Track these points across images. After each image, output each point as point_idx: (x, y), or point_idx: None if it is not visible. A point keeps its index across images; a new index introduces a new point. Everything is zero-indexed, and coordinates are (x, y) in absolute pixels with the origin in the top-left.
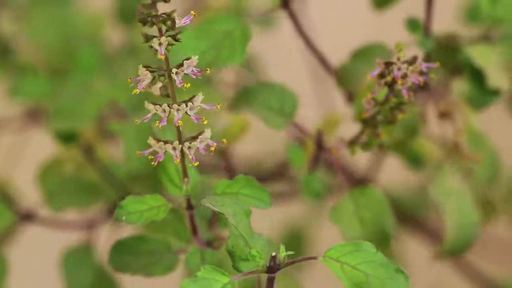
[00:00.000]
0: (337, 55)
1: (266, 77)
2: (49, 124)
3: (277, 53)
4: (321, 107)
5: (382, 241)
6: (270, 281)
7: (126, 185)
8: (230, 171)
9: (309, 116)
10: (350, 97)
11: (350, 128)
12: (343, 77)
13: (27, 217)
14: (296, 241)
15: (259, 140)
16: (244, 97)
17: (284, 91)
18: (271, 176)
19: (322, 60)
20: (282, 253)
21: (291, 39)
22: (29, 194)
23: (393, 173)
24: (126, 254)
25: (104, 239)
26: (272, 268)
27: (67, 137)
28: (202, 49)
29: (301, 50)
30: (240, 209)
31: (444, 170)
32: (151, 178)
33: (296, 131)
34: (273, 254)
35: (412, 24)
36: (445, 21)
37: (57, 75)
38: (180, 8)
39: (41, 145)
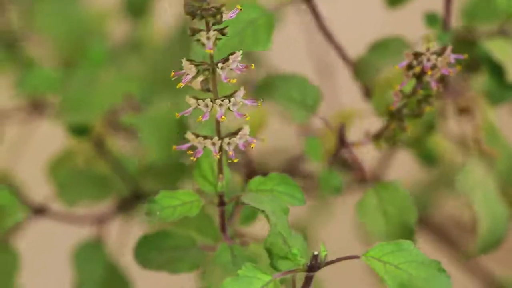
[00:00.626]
0: (352, 49)
1: (273, 72)
2: (60, 117)
3: (283, 50)
4: (326, 103)
5: (406, 235)
6: (309, 279)
7: (137, 179)
8: (251, 167)
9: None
10: (367, 91)
11: (361, 124)
12: (361, 71)
13: (39, 211)
14: None
15: (266, 136)
16: (265, 88)
17: (305, 82)
18: (282, 171)
19: (341, 53)
20: (323, 252)
21: (296, 36)
22: (35, 186)
23: (399, 170)
24: (151, 249)
25: (115, 234)
26: (313, 267)
27: (80, 130)
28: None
29: (306, 47)
30: (278, 207)
31: (469, 164)
32: (163, 173)
33: (305, 127)
34: (316, 253)
35: (431, 19)
36: (459, 16)
37: (65, 68)
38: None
39: (47, 138)
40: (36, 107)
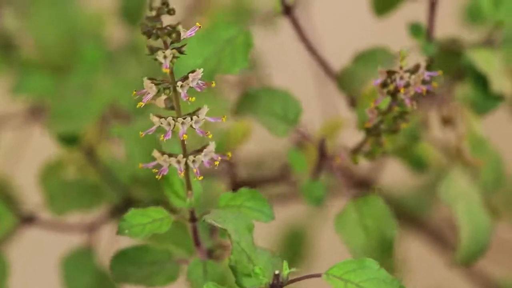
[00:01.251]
0: (339, 59)
1: (268, 76)
2: (50, 126)
3: (280, 54)
4: (324, 108)
5: (386, 249)
6: None
7: (128, 187)
8: (233, 175)
9: (311, 118)
10: (352, 102)
11: (352, 132)
12: (345, 81)
13: (28, 219)
14: (295, 243)
15: (260, 140)
16: (247, 102)
17: (287, 97)
18: (272, 177)
19: (324, 65)
20: (285, 271)
21: (293, 40)
22: (30, 191)
23: (394, 173)
24: (127, 264)
25: (105, 242)
26: (275, 286)
27: (69, 140)
28: (205, 56)
29: (303, 52)
30: (243, 224)
31: (452, 174)
32: (152, 181)
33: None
34: (277, 272)
35: (415, 29)
36: (447, 25)
37: (60, 72)
38: (182, 6)
39: (43, 142)
40: (33, 112)
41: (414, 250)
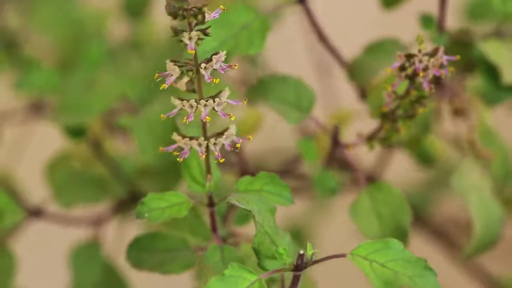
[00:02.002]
0: (347, 51)
1: (270, 72)
2: (57, 119)
3: (281, 49)
4: (326, 103)
5: (400, 237)
6: (296, 279)
7: (134, 180)
8: (243, 166)
9: (314, 112)
10: (362, 93)
11: (358, 125)
12: (356, 72)
13: (35, 213)
14: (296, 238)
15: (265, 137)
16: (260, 89)
17: (300, 84)
18: (278, 171)
19: (335, 55)
20: (310, 252)
21: (296, 35)
22: (33, 187)
23: (397, 170)
24: (143, 251)
25: (112, 235)
26: (300, 266)
27: (76, 132)
28: (221, 39)
29: (305, 46)
30: (265, 207)
31: (464, 165)
32: (161, 174)
33: (302, 127)
34: (301, 252)
35: (426, 20)
36: (455, 18)
37: (63, 68)
38: None
39: (46, 138)
40: (36, 108)
41: (417, 247)
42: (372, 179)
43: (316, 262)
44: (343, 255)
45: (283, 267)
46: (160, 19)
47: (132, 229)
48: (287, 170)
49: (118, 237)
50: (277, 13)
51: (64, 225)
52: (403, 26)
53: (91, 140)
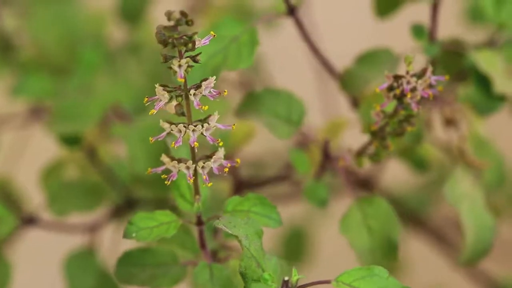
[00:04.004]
0: (341, 59)
1: (270, 77)
2: (52, 127)
3: (281, 54)
4: (325, 108)
5: (390, 250)
6: None
7: (129, 188)
8: (236, 176)
9: (313, 118)
10: (355, 102)
11: (354, 132)
12: (348, 82)
13: (30, 220)
14: (295, 241)
15: (262, 140)
16: (251, 103)
17: (291, 98)
18: (274, 177)
19: (327, 65)
20: (295, 277)
21: (295, 40)
22: (32, 192)
23: (395, 172)
24: (133, 266)
25: (107, 242)
26: None
27: (70, 140)
28: (210, 53)
29: (305, 52)
30: (252, 230)
31: (455, 174)
32: (155, 181)
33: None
34: (286, 278)
35: (418, 31)
36: (448, 26)
37: (60, 73)
38: (182, 7)
39: (43, 144)
40: (33, 113)
41: (415, 249)
42: (367, 184)
43: (302, 287)
44: (328, 281)
45: None
46: (157, 24)
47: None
48: (285, 174)
49: (113, 244)
50: (271, 22)
51: (59, 232)
52: (397, 35)
53: (86, 147)
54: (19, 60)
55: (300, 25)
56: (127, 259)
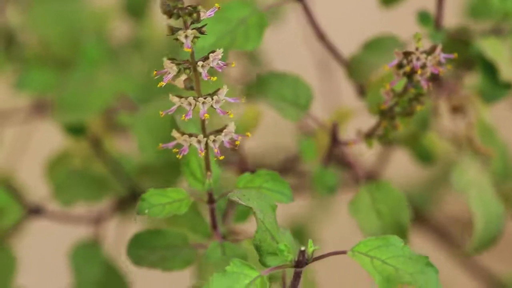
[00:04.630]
0: (346, 49)
1: (270, 69)
2: (55, 116)
3: (283, 47)
4: (327, 100)
5: (399, 234)
6: (297, 275)
7: (134, 179)
8: (243, 164)
9: (315, 110)
10: (361, 90)
11: (359, 123)
12: (354, 69)
13: (35, 211)
14: (297, 237)
15: (265, 134)
16: (257, 86)
17: (297, 81)
18: (279, 169)
19: (334, 52)
20: (311, 248)
21: (296, 33)
22: (35, 186)
23: (399, 169)
24: (143, 248)
25: (113, 233)
26: (301, 262)
27: (75, 130)
28: (218, 34)
29: (306, 44)
30: (266, 204)
31: (463, 162)
32: (161, 172)
33: (303, 124)
34: (302, 248)
35: (424, 18)
36: (454, 16)
37: (63, 68)
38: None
39: (47, 137)
40: (36, 107)
41: (417, 246)
42: (372, 177)
43: (317, 258)
44: (343, 252)
45: (284, 263)
46: (161, 19)
47: (133, 227)
48: (288, 168)
49: (118, 235)
50: (277, 10)
51: (65, 223)
52: (403, 24)
53: (91, 138)
54: (23, 55)
55: (307, 11)
56: (137, 241)
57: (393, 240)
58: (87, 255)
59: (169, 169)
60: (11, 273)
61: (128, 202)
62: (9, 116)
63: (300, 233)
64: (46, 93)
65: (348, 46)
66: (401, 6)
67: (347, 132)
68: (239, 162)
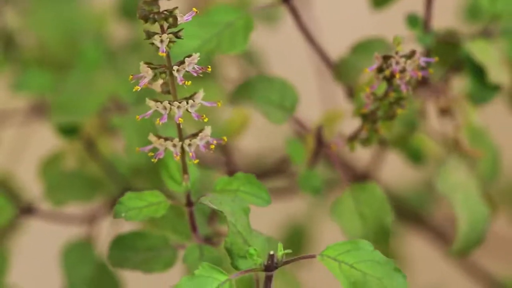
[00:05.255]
0: (338, 51)
1: (268, 72)
2: (50, 117)
3: (280, 49)
4: (324, 102)
5: (382, 237)
6: (268, 279)
7: (128, 179)
8: (231, 166)
9: (312, 111)
10: (350, 92)
11: (352, 124)
12: (342, 72)
13: (28, 211)
14: (296, 237)
15: (259, 135)
16: (244, 90)
17: (284, 85)
18: (271, 172)
19: (322, 55)
20: (280, 252)
21: (294, 34)
22: (32, 187)
23: (394, 169)
24: (125, 249)
25: (105, 233)
26: (270, 266)
27: (68, 131)
28: (204, 38)
29: (304, 45)
30: (239, 207)
31: (448, 164)
32: (152, 172)
33: (297, 126)
34: (271, 252)
35: (412, 20)
36: (444, 17)
37: (61, 69)
38: (182, 4)
39: (44, 139)
40: (34, 108)
41: (414, 246)
42: (364, 178)
43: (287, 262)
44: (313, 256)
45: (254, 267)
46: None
47: (125, 227)
48: (282, 169)
49: (111, 235)
50: (275, 11)
51: (57, 222)
52: (393, 28)
53: (84, 139)
54: (21, 57)
55: (295, 14)
56: (119, 243)
57: (363, 244)
58: (79, 254)
59: (158, 170)
60: (3, 272)
61: None
62: (7, 117)
63: (299, 233)
64: (44, 94)
65: (342, 48)
66: (396, 8)
67: (341, 131)
68: (226, 163)
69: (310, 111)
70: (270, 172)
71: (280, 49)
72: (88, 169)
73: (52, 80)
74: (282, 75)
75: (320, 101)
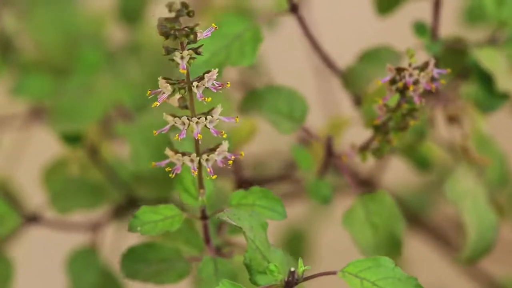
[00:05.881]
0: (342, 58)
1: (270, 76)
2: (52, 125)
3: (281, 53)
4: (326, 107)
5: (394, 247)
6: None
7: (131, 186)
8: (239, 174)
9: (313, 117)
10: (357, 100)
11: (356, 131)
12: (350, 80)
13: (33, 219)
14: (298, 242)
15: (264, 140)
16: (253, 100)
17: (293, 94)
18: (276, 177)
19: (329, 63)
20: (301, 268)
21: (295, 39)
22: (32, 192)
23: (397, 172)
24: (137, 261)
25: (110, 240)
26: (290, 283)
27: (72, 138)
28: (213, 50)
29: (305, 51)
30: (257, 222)
31: (457, 172)
32: (157, 180)
33: (301, 132)
34: (292, 269)
35: (420, 28)
36: (449, 25)
37: (60, 73)
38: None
39: (44, 144)
40: (34, 113)
41: (416, 249)
42: (369, 184)
43: (308, 278)
44: (333, 273)
45: (274, 283)
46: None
47: (129, 234)
48: (286, 174)
49: (115, 242)
50: (266, 24)
51: (62, 230)
52: (399, 34)
53: (87, 146)
54: (20, 61)
55: (302, 23)
56: (131, 255)
57: (384, 261)
58: (84, 262)
59: (166, 177)
60: (8, 280)
61: (125, 209)
62: (6, 122)
63: (300, 238)
64: (43, 99)
65: (346, 55)
66: (401, 14)
67: (343, 141)
68: (235, 172)
69: (311, 115)
70: (274, 177)
71: (279, 52)
72: (91, 176)
73: (52, 84)
74: (282, 78)
75: (320, 102)
